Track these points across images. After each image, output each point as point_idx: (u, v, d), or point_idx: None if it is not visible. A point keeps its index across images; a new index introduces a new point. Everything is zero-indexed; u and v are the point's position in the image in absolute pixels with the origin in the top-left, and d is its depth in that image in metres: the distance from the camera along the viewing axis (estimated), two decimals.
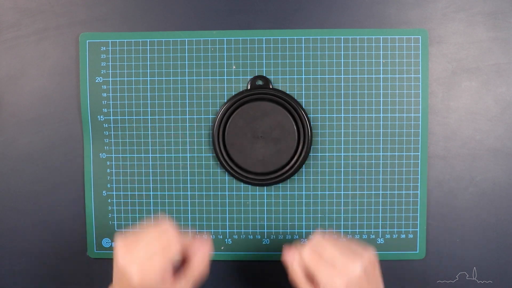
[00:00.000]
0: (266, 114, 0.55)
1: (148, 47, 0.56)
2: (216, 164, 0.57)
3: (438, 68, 0.56)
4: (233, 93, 0.56)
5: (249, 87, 0.56)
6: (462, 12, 0.56)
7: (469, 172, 0.57)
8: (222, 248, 0.58)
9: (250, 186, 0.57)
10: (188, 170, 0.57)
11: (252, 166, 0.55)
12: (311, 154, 0.56)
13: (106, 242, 0.58)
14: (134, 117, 0.57)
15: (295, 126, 0.55)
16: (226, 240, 0.57)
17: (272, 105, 0.55)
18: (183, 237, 0.44)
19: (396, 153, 0.56)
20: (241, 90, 0.56)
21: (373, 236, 0.57)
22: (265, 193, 0.57)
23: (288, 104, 0.55)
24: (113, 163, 0.57)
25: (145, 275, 0.40)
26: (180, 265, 0.44)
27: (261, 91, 0.55)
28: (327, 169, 0.56)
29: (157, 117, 0.57)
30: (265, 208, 0.57)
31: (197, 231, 0.57)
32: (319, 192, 0.57)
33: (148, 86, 0.57)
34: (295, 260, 0.43)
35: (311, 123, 0.56)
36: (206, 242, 0.45)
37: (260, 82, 0.56)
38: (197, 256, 0.44)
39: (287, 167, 0.55)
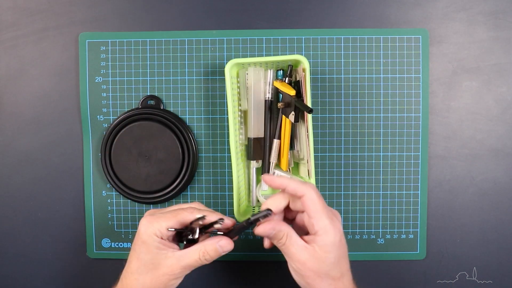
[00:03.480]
0: (153, 135, 0.55)
1: (147, 47, 0.56)
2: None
3: (439, 68, 0.56)
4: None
5: (140, 106, 0.56)
6: (463, 12, 0.56)
7: (469, 172, 0.57)
8: None
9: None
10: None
11: (136, 184, 0.56)
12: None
13: (106, 242, 0.58)
14: None
15: (180, 149, 0.55)
16: None
17: (160, 126, 0.55)
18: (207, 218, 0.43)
19: (397, 153, 0.56)
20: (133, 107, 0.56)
21: (374, 237, 0.57)
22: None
23: (176, 127, 0.55)
24: None
25: (149, 227, 0.42)
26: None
27: (151, 111, 0.55)
28: (327, 169, 0.56)
29: None
30: None
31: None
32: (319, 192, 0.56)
33: (148, 86, 0.56)
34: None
35: (198, 147, 0.56)
36: (229, 241, 0.43)
37: (151, 102, 0.56)
38: (210, 243, 0.43)
39: (170, 188, 0.56)
